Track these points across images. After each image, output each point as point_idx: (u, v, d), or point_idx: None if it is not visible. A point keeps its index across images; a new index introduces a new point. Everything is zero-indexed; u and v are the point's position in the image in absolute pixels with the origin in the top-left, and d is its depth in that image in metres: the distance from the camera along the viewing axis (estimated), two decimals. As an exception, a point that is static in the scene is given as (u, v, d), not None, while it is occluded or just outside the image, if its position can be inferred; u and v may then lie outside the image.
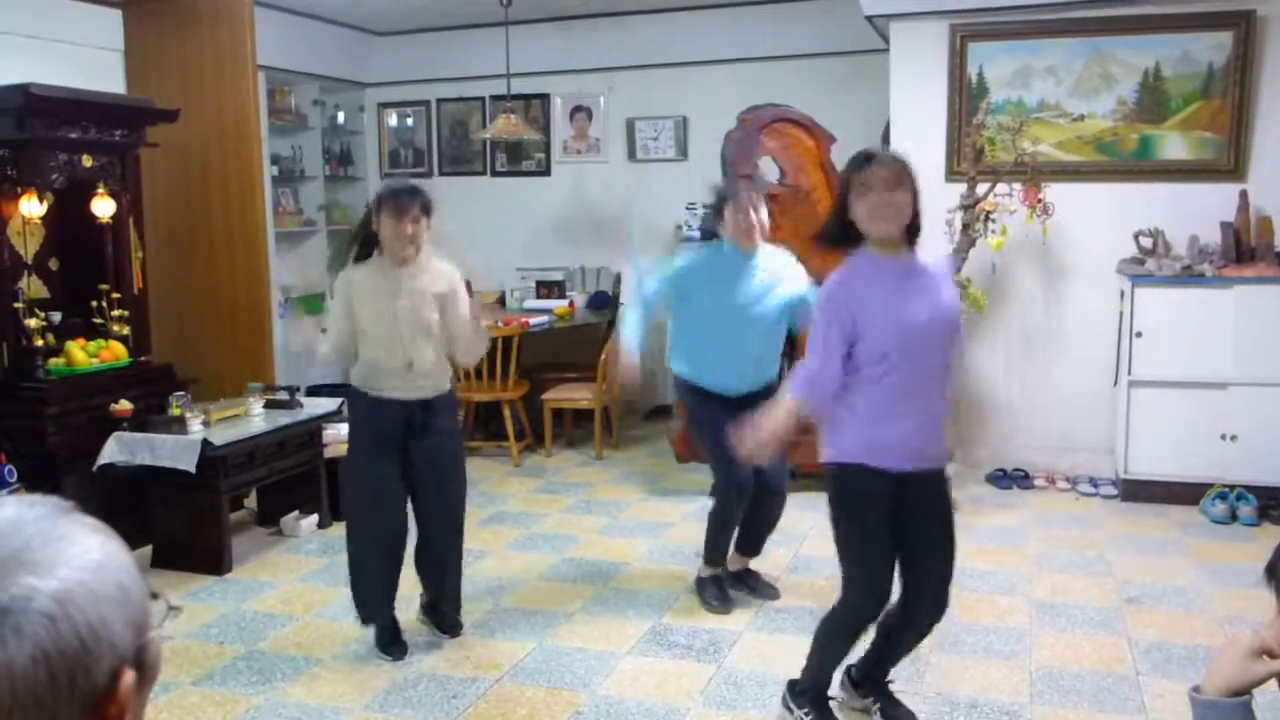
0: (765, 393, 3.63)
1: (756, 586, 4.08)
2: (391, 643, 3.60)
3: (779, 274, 3.78)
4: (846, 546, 2.86)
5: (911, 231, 2.75)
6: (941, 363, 2.79)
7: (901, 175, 2.69)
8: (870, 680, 3.07)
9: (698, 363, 3.82)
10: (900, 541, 2.83)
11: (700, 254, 3.88)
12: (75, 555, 0.77)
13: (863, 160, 2.72)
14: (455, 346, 3.56)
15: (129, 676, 0.78)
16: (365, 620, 3.63)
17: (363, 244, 3.50)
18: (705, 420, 3.84)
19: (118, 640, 0.77)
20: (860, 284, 2.73)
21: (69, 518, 0.81)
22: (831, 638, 2.99)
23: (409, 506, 3.58)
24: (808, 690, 3.04)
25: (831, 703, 3.06)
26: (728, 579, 4.06)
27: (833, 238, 2.81)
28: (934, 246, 3.22)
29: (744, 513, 3.90)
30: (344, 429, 4.90)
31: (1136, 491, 5.15)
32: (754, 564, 4.14)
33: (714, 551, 3.99)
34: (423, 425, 3.48)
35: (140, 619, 0.80)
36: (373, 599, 3.59)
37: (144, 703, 0.82)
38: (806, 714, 3.02)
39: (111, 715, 0.77)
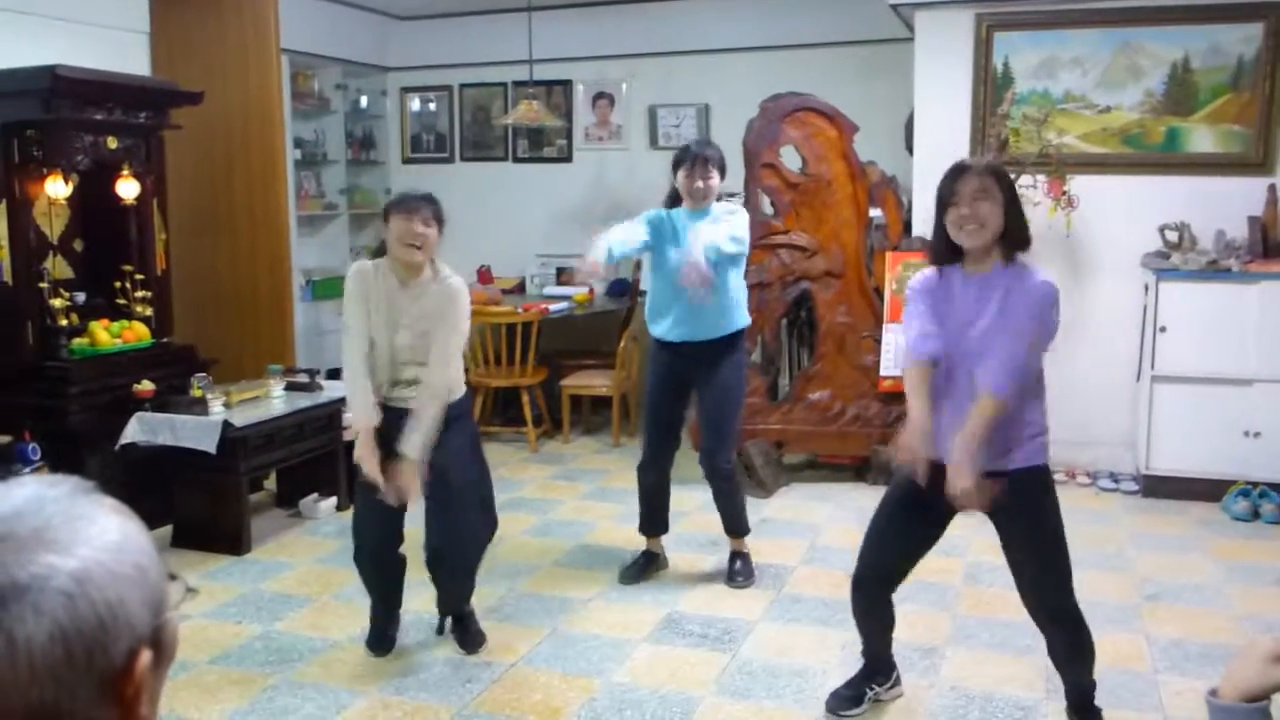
0: (720, 344, 3.91)
1: (734, 571, 4.11)
2: (376, 642, 3.52)
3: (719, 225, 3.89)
4: None
5: (1010, 242, 2.69)
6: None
7: (986, 186, 2.64)
8: (1069, 701, 2.99)
9: (651, 312, 4.03)
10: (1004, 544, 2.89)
11: (661, 212, 4.04)
12: (94, 535, 0.78)
13: (951, 173, 2.71)
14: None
15: (146, 656, 0.78)
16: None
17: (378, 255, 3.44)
18: (649, 385, 4.10)
19: (135, 620, 0.77)
20: (928, 298, 2.82)
21: (89, 498, 0.81)
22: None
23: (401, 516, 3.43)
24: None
25: (870, 693, 3.10)
26: (650, 558, 4.21)
27: (939, 255, 2.79)
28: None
29: (650, 486, 4.15)
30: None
31: (1157, 488, 5.11)
32: (770, 548, 4.14)
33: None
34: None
35: (157, 599, 0.80)
36: (371, 596, 3.54)
37: (161, 682, 0.82)
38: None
39: (128, 694, 0.77)
